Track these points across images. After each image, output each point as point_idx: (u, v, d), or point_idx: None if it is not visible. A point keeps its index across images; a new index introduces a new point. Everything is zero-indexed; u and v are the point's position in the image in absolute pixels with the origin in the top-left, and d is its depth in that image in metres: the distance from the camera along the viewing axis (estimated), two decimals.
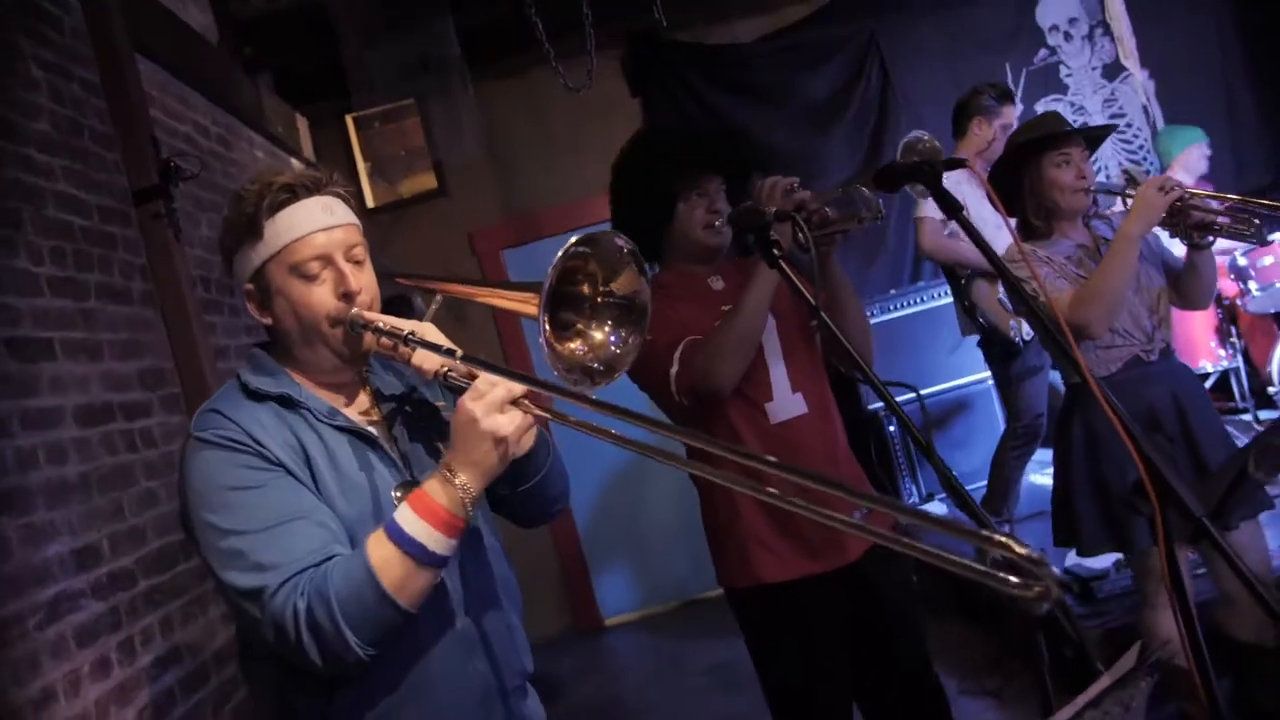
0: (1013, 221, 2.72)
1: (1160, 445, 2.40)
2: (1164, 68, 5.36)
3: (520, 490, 1.51)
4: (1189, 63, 5.33)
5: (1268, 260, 4.30)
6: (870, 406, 4.71)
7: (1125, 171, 4.97)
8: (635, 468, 5.57)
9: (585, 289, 1.33)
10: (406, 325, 1.40)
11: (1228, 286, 4.53)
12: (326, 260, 1.42)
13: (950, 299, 4.32)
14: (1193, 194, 2.41)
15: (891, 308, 4.82)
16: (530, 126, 5.44)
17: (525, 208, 5.45)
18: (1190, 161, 4.56)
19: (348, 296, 1.42)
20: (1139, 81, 5.35)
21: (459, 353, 1.35)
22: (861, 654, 2.20)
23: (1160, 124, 5.23)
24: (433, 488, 1.30)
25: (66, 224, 2.56)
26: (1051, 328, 1.78)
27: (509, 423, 1.27)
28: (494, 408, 1.27)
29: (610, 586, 5.68)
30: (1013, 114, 3.99)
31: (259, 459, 1.36)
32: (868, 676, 2.23)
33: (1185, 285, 2.55)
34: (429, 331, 1.41)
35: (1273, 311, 4.53)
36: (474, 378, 1.31)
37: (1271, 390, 4.60)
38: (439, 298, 1.58)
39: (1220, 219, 2.43)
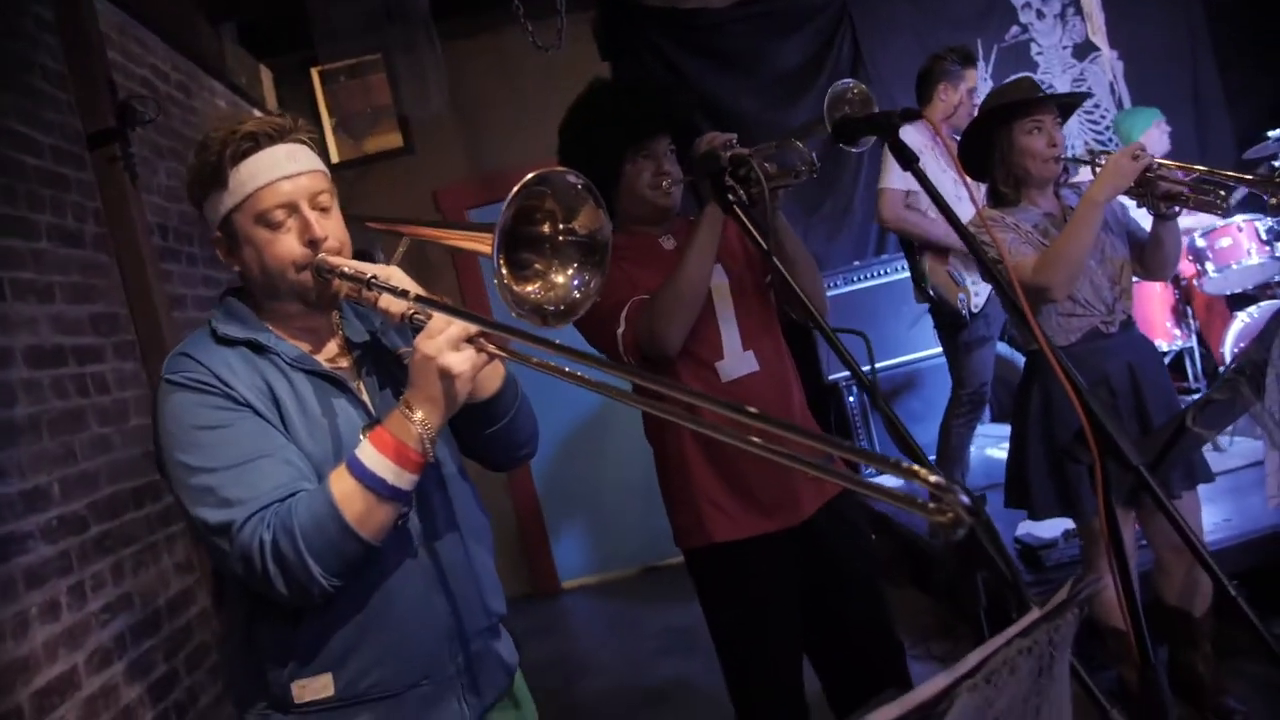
0: (982, 189, 2.73)
1: (1104, 400, 2.45)
2: (1132, 48, 5.39)
3: (488, 432, 1.54)
4: (1157, 44, 5.36)
5: (1225, 242, 4.35)
6: (831, 377, 4.74)
7: (1090, 151, 5.00)
8: (597, 429, 5.58)
9: (545, 228, 1.32)
10: (370, 269, 1.40)
11: (1185, 267, 4.57)
12: (291, 208, 1.43)
13: None
14: (1162, 164, 2.44)
15: (855, 279, 4.82)
16: (499, 86, 5.39)
17: (491, 168, 5.40)
18: (1151, 142, 4.60)
19: (313, 244, 1.43)
20: (1108, 61, 5.38)
21: (412, 294, 1.35)
22: (815, 611, 2.22)
23: (1127, 104, 5.26)
24: (392, 424, 1.33)
25: (19, 163, 2.51)
26: (1010, 294, 1.80)
27: (463, 360, 1.28)
28: (447, 345, 1.28)
29: (568, 549, 5.70)
30: (975, 76, 3.99)
31: (227, 400, 1.39)
32: (820, 633, 2.25)
33: (1149, 256, 2.58)
34: (394, 275, 1.41)
35: (1228, 293, 4.60)
36: None
37: (1224, 370, 4.67)
38: (406, 240, 1.57)
39: (1187, 190, 2.46)
